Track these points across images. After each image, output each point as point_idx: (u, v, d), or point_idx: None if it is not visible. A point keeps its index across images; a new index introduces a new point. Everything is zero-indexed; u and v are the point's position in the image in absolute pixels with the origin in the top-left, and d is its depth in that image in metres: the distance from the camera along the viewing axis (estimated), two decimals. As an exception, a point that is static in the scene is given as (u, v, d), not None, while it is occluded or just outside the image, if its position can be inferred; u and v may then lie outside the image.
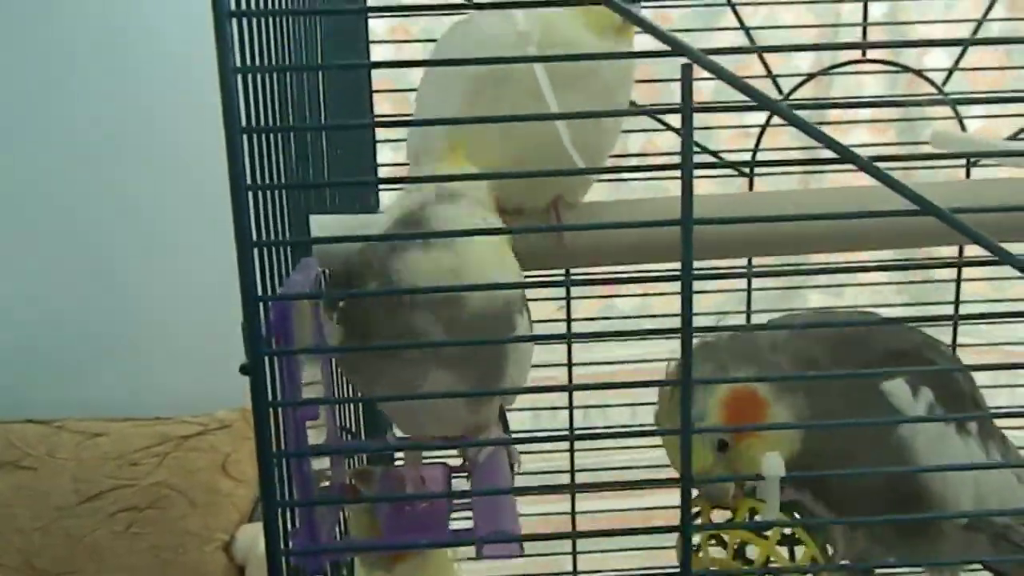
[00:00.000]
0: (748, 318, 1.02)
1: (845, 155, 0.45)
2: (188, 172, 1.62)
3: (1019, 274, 0.46)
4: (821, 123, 1.10)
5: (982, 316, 0.50)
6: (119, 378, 1.72)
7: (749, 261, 0.78)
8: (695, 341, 0.58)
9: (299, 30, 0.64)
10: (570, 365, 1.02)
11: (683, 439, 0.47)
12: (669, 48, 0.42)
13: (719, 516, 0.70)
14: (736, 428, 0.59)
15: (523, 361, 0.56)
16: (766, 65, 0.96)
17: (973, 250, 0.76)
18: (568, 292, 1.00)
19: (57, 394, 1.69)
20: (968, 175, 0.94)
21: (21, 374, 1.70)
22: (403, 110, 0.96)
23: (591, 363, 1.03)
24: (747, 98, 0.44)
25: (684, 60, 0.43)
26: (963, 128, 1.01)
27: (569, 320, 1.01)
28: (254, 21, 0.50)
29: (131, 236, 1.66)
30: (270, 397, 0.44)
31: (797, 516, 0.69)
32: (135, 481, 1.62)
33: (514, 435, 0.71)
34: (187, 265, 1.67)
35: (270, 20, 0.54)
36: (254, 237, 0.43)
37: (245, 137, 0.45)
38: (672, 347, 0.96)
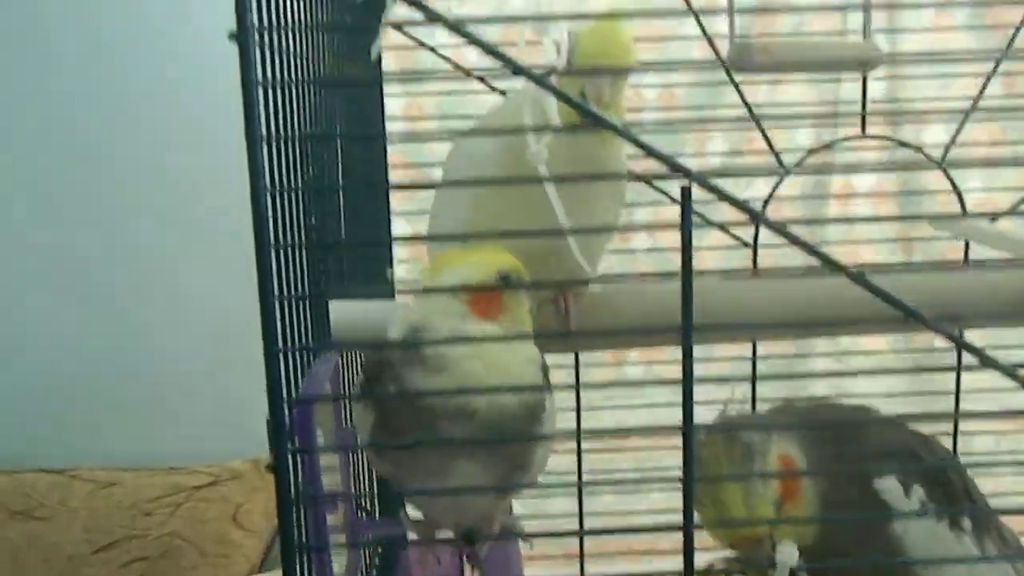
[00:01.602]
0: (753, 385, 1.04)
1: (834, 267, 0.48)
2: (204, 226, 1.65)
3: None
4: (824, 195, 1.13)
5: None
6: (132, 428, 1.73)
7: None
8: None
9: (319, 111, 0.67)
10: (579, 431, 1.03)
11: (685, 487, 0.50)
12: (669, 169, 0.45)
13: None
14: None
15: (548, 448, 0.59)
16: (768, 141, 1.00)
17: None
18: (576, 359, 1.02)
19: (70, 443, 1.70)
20: (967, 252, 0.97)
21: (34, 423, 1.72)
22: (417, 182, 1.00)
23: (600, 430, 1.05)
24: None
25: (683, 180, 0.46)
26: (961, 200, 1.04)
27: (578, 384, 1.03)
28: (280, 95, 0.53)
29: (146, 288, 1.69)
30: (294, 493, 0.46)
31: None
32: (147, 531, 1.63)
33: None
34: (200, 317, 1.69)
35: (294, 96, 0.57)
36: (279, 344, 0.46)
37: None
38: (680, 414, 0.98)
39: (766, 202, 1.02)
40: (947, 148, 1.02)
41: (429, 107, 1.15)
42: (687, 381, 0.48)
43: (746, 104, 1.00)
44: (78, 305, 1.70)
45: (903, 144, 1.04)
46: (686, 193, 0.46)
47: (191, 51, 1.56)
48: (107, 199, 1.66)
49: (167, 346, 1.71)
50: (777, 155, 1.01)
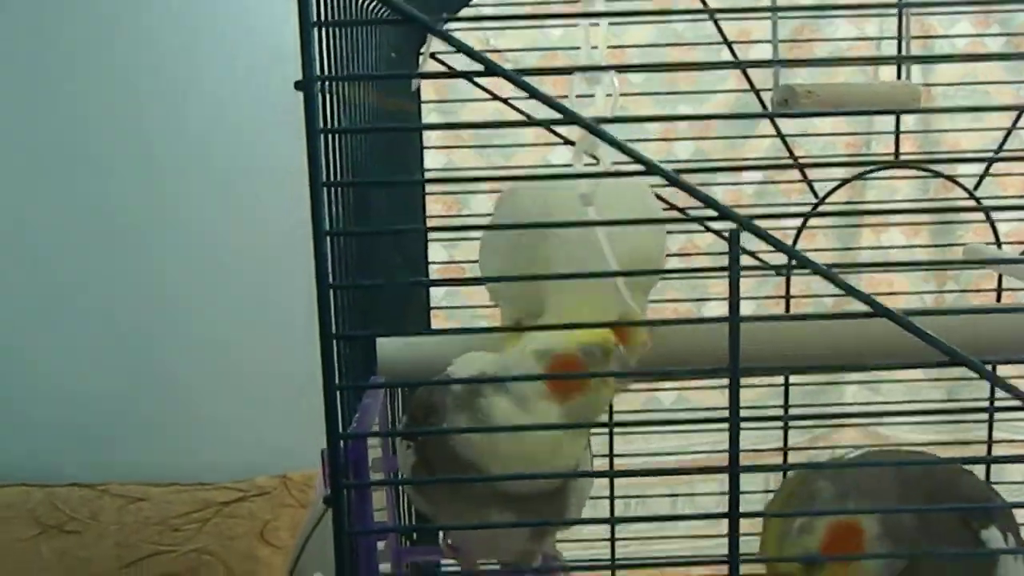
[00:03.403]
0: (786, 411, 1.05)
1: (876, 308, 0.49)
2: (227, 247, 1.67)
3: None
4: (858, 225, 1.14)
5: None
6: (162, 443, 1.75)
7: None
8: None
9: (364, 146, 0.69)
10: (611, 455, 1.04)
11: (730, 523, 0.50)
12: (717, 213, 0.47)
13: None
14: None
15: (584, 494, 0.60)
16: (803, 172, 1.01)
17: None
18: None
19: (103, 458, 1.72)
20: (1000, 281, 0.97)
21: (68, 438, 1.74)
22: (452, 211, 1.01)
23: (632, 454, 1.05)
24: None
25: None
26: (994, 229, 1.05)
27: (611, 411, 1.04)
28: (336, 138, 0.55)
29: (174, 307, 1.71)
30: (348, 527, 0.48)
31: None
32: (175, 547, 1.63)
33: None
34: (228, 335, 1.71)
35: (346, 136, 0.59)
36: (337, 380, 0.47)
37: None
38: (711, 439, 0.99)
39: (799, 232, 1.03)
40: (980, 178, 1.03)
41: (466, 136, 1.17)
42: (734, 418, 0.49)
43: (781, 137, 1.01)
44: (110, 325, 1.72)
45: (936, 174, 1.05)
46: (734, 237, 0.47)
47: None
48: (146, 221, 1.68)
49: (198, 364, 1.73)
50: (811, 184, 1.02)
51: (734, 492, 0.51)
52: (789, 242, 1.03)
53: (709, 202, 0.47)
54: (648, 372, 0.62)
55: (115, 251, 1.69)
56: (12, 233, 1.70)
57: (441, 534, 0.63)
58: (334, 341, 0.47)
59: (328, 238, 0.46)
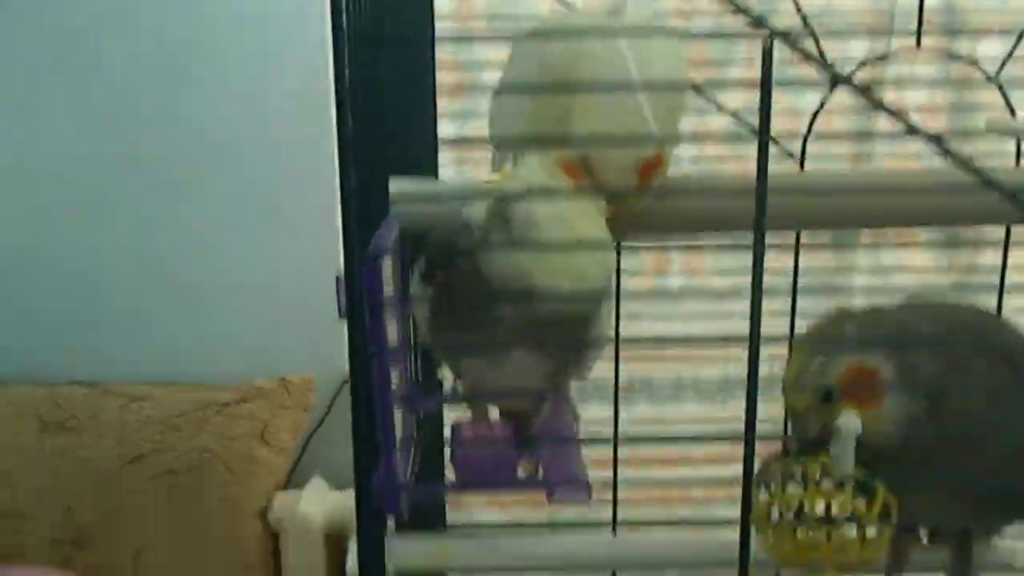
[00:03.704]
0: (794, 295, 1.04)
1: (914, 129, 0.47)
2: (226, 148, 1.65)
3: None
4: (875, 108, 1.11)
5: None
6: (163, 343, 1.75)
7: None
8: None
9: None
10: (617, 336, 1.03)
11: (747, 413, 0.49)
12: (751, 26, 0.45)
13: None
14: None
15: (603, 335, 0.59)
16: (820, 50, 0.98)
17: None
18: (618, 262, 1.01)
19: (104, 357, 1.73)
20: (1018, 154, 0.95)
21: (70, 337, 1.74)
22: (465, 83, 0.99)
23: (639, 338, 1.04)
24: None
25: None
26: (1013, 114, 1.02)
27: (618, 290, 1.03)
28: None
29: (178, 209, 1.70)
30: (367, 347, 0.47)
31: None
32: (176, 446, 1.64)
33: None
34: (230, 238, 1.70)
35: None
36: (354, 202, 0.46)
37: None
38: (718, 327, 0.97)
39: (815, 113, 1.00)
40: (1003, 63, 1.00)
41: (478, 6, 1.14)
42: (758, 241, 0.47)
43: (799, 10, 0.98)
44: (111, 225, 1.71)
45: (956, 57, 1.02)
46: (767, 51, 0.45)
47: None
48: (153, 122, 1.66)
49: (201, 266, 1.73)
50: (830, 66, 0.99)
51: (753, 367, 0.49)
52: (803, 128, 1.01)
53: (743, 10, 0.45)
54: (680, 184, 0.61)
55: (118, 154, 1.68)
56: (22, 138, 1.68)
57: (450, 377, 0.63)
58: (350, 151, 0.45)
59: (345, 46, 0.44)
